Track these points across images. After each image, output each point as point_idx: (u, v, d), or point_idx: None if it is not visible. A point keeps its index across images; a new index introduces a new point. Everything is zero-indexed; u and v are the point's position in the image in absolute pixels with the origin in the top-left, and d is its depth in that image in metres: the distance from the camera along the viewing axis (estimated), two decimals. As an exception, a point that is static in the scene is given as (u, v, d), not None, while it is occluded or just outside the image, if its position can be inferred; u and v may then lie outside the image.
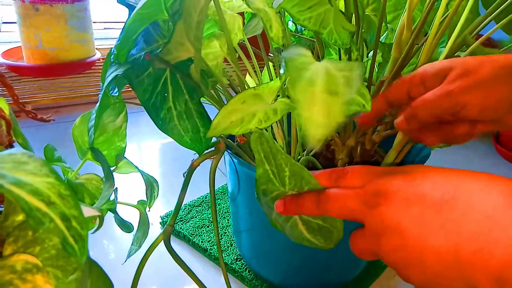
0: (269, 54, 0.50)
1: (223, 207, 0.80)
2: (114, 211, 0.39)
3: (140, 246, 0.44)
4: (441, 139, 0.37)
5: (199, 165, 0.41)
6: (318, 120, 0.26)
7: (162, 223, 0.74)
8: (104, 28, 1.38)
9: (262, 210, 0.51)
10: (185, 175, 0.41)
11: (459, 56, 0.49)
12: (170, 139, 0.38)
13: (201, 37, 0.32)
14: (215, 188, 0.86)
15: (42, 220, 0.20)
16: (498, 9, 0.41)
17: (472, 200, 0.23)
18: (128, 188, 0.76)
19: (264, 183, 0.32)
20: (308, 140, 0.26)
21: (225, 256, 0.65)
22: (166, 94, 0.37)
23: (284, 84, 0.38)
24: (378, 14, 0.50)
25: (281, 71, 0.39)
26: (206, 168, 0.42)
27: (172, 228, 0.40)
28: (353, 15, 0.45)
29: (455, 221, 0.23)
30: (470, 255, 0.22)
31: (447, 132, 0.36)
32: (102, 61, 1.11)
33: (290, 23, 1.00)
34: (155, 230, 0.73)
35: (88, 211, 0.32)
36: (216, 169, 0.42)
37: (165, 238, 0.40)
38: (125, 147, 0.44)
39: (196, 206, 0.79)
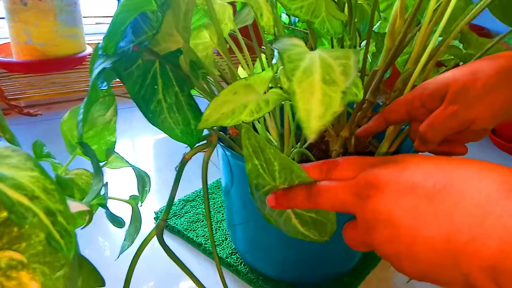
0: (262, 47, 0.50)
1: (218, 201, 0.80)
2: (105, 206, 0.39)
3: (132, 242, 0.44)
4: (464, 145, 0.39)
5: (190, 158, 0.40)
6: (316, 111, 0.26)
7: (156, 219, 0.74)
8: (96, 23, 1.36)
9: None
10: (177, 169, 0.41)
11: (455, 45, 0.48)
12: (164, 134, 0.37)
13: (190, 27, 0.31)
14: (210, 183, 0.86)
15: (25, 215, 0.19)
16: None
17: (465, 189, 0.23)
18: (121, 183, 0.75)
19: (255, 178, 0.32)
20: (308, 132, 0.26)
21: (220, 250, 0.65)
22: (155, 86, 0.36)
23: (276, 74, 0.37)
24: (371, 3, 0.50)
25: (273, 61, 0.38)
26: (200, 163, 0.41)
27: (165, 222, 0.39)
28: (346, 4, 0.45)
29: (447, 211, 0.22)
30: (463, 245, 0.21)
31: (466, 137, 0.37)
32: (93, 56, 1.09)
33: (284, 16, 0.99)
34: (149, 225, 0.72)
35: (76, 206, 0.31)
36: (208, 162, 0.41)
37: (158, 233, 0.39)
38: (115, 142, 0.43)
39: (190, 201, 0.78)
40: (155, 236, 0.39)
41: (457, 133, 0.36)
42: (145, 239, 0.38)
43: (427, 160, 0.26)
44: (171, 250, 0.39)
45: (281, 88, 0.38)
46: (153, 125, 0.36)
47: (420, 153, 0.29)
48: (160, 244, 0.39)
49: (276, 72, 0.37)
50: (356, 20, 0.46)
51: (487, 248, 0.20)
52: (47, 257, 0.24)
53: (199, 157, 0.42)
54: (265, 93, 0.34)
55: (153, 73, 0.36)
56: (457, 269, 0.22)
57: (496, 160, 1.06)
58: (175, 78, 0.36)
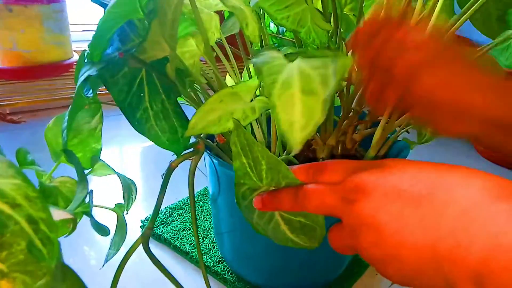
0: (248, 55, 0.50)
1: (205, 209, 0.79)
2: (89, 214, 0.38)
3: (117, 250, 0.43)
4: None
5: (177, 166, 0.40)
6: (299, 122, 0.26)
7: (143, 227, 0.73)
8: (82, 30, 1.35)
9: (243, 210, 0.50)
10: (163, 176, 0.40)
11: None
12: (151, 142, 0.37)
13: (176, 35, 0.32)
14: (197, 191, 0.85)
15: (6, 223, 0.19)
16: (472, 8, 0.42)
17: (450, 195, 0.23)
18: (106, 191, 0.74)
19: (242, 177, 0.32)
20: (291, 144, 0.26)
21: (207, 259, 0.65)
22: (142, 94, 0.36)
23: (261, 83, 0.37)
24: (356, 13, 0.51)
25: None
26: (188, 171, 0.41)
27: (151, 231, 0.39)
28: (332, 14, 0.45)
29: (433, 217, 0.23)
30: (448, 251, 0.22)
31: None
32: (80, 63, 1.09)
33: (272, 25, 1.01)
34: (135, 234, 0.71)
35: (59, 214, 0.31)
36: (195, 170, 0.41)
37: (144, 241, 0.39)
38: (100, 149, 0.43)
39: (177, 209, 0.78)
40: (141, 244, 0.39)
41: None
42: (130, 248, 0.38)
43: (413, 166, 0.27)
44: (157, 258, 0.39)
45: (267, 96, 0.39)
46: (139, 133, 0.36)
47: (406, 159, 0.29)
48: (146, 253, 0.39)
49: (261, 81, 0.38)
50: (342, 30, 0.47)
51: (471, 255, 0.20)
52: (29, 266, 0.24)
53: (187, 165, 0.42)
54: (251, 101, 0.35)
55: (139, 80, 0.36)
56: (441, 275, 0.22)
57: (479, 168, 1.07)
58: (162, 86, 0.36)
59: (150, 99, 0.36)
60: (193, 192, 0.41)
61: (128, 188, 0.44)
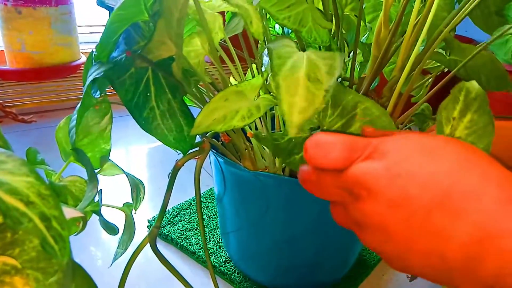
0: (252, 58, 0.51)
1: (211, 209, 0.80)
2: (98, 213, 0.39)
3: (125, 249, 0.44)
4: None
5: (183, 165, 0.40)
6: (299, 105, 0.27)
7: (150, 227, 0.74)
8: (90, 32, 1.37)
9: (248, 209, 0.51)
10: (169, 176, 0.41)
11: (439, 52, 0.50)
12: (157, 143, 0.38)
13: (182, 34, 0.32)
14: (203, 191, 0.86)
15: (20, 220, 0.20)
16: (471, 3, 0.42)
17: (463, 207, 0.22)
18: (114, 191, 0.75)
19: None
20: (289, 125, 0.27)
21: (213, 259, 0.65)
22: (148, 94, 0.36)
23: (266, 81, 0.38)
24: (357, 13, 0.51)
25: (263, 69, 0.39)
26: (192, 172, 0.41)
27: (158, 230, 0.40)
28: (333, 15, 0.46)
29: (444, 228, 0.22)
30: (460, 263, 0.21)
31: None
32: (86, 65, 1.10)
33: (277, 26, 1.01)
34: (142, 234, 0.72)
35: (70, 213, 0.31)
36: (201, 169, 0.42)
37: (151, 240, 0.40)
38: (110, 149, 0.44)
39: (184, 209, 0.78)
40: (148, 244, 0.39)
41: None
42: (138, 247, 0.38)
43: (423, 166, 0.24)
44: (164, 257, 0.39)
45: (270, 93, 0.39)
46: (146, 132, 0.37)
47: (411, 140, 0.27)
48: (153, 251, 0.39)
49: (266, 79, 0.38)
50: (343, 31, 0.48)
51: (483, 269, 0.20)
52: (41, 263, 0.24)
53: (193, 166, 0.42)
54: (256, 99, 0.35)
55: (145, 80, 0.37)
56: (449, 279, 0.22)
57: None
58: (168, 85, 0.37)
59: (156, 99, 0.36)
60: (199, 191, 0.41)
61: (137, 187, 0.44)
